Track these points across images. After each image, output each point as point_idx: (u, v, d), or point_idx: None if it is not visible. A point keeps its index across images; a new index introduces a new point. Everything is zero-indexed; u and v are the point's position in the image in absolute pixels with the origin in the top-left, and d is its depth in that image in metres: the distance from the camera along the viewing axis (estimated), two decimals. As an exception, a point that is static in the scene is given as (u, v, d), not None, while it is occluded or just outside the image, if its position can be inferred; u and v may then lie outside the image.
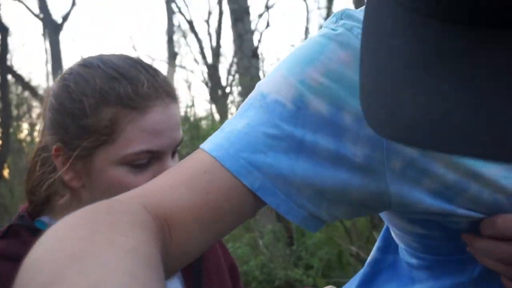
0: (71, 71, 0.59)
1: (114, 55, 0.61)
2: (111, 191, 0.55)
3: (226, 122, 0.43)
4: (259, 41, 8.32)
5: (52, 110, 0.58)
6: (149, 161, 0.57)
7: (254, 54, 4.34)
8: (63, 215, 0.57)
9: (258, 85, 0.43)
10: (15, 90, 11.78)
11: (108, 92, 0.55)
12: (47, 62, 11.41)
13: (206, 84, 11.84)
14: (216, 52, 11.69)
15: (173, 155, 0.62)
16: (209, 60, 11.97)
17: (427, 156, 0.38)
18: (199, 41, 11.69)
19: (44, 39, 10.93)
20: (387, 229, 0.56)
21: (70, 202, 0.61)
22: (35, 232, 0.57)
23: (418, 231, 0.45)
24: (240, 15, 4.31)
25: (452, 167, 0.38)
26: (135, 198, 0.37)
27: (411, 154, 0.38)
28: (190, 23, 11.53)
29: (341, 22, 0.41)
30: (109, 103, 0.55)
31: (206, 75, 11.87)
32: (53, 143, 0.58)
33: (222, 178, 0.38)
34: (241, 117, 0.41)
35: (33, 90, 10.82)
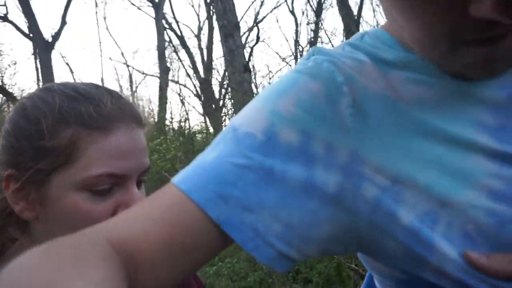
0: (30, 95, 0.56)
1: (79, 82, 0.59)
2: (69, 222, 0.51)
3: (198, 156, 0.42)
4: (250, 54, 8.36)
5: (6, 135, 0.53)
6: (111, 188, 0.52)
7: (245, 68, 4.38)
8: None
9: (231, 120, 0.42)
10: (7, 108, 11.72)
11: (67, 111, 0.52)
12: (38, 80, 11.39)
13: (199, 97, 11.87)
14: (208, 66, 11.75)
15: (139, 185, 0.57)
16: (202, 74, 12.02)
17: (399, 183, 0.38)
18: (190, 55, 11.75)
19: (35, 58, 10.92)
20: (370, 276, 0.53)
21: (21, 243, 0.55)
22: None
23: (398, 276, 0.43)
24: (230, 30, 4.36)
25: (424, 195, 0.37)
26: (100, 232, 0.36)
27: (384, 182, 0.38)
28: (181, 38, 11.61)
29: (313, 57, 0.42)
30: (69, 122, 0.51)
31: (199, 89, 11.92)
32: (5, 170, 0.52)
33: (189, 212, 0.37)
34: (211, 151, 0.40)
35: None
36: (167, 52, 13.03)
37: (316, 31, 10.53)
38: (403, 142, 0.38)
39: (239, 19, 4.60)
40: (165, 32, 11.36)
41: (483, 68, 0.37)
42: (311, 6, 11.54)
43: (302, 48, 11.99)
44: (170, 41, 12.23)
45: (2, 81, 12.03)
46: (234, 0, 4.45)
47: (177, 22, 11.71)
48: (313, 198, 0.37)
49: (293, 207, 0.37)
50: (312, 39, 10.25)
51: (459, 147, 0.38)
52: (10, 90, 11.43)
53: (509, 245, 0.36)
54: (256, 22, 10.69)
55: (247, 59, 4.43)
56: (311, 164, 0.37)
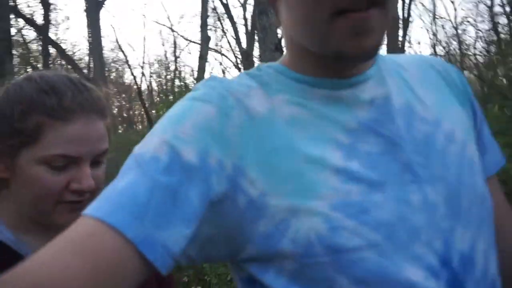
0: (15, 81, 0.69)
1: (55, 73, 0.70)
2: (32, 188, 0.64)
3: (103, 191, 0.44)
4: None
5: None
6: (67, 165, 0.64)
7: (276, 48, 4.36)
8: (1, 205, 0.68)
9: (134, 150, 0.46)
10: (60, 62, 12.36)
11: (36, 102, 0.64)
12: (89, 37, 11.84)
13: (239, 69, 11.90)
14: (251, 38, 11.70)
15: (97, 164, 0.68)
16: (244, 45, 12.01)
17: (265, 195, 0.43)
18: (234, 25, 11.74)
19: (87, 15, 11.34)
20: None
21: (3, 195, 0.69)
22: None
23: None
24: (265, 7, 4.32)
25: (282, 205, 0.43)
26: (25, 276, 0.36)
27: (255, 193, 0.43)
28: (226, 6, 11.58)
29: (207, 84, 0.49)
30: (36, 111, 0.64)
31: (239, 61, 11.93)
32: None
33: (108, 237, 0.38)
34: (120, 180, 0.43)
35: (74, 63, 11.32)
36: (211, 21, 13.10)
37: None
38: (273, 159, 0.45)
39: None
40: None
41: (356, 40, 0.43)
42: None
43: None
44: (215, 9, 12.21)
45: (55, 35, 12.64)
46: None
47: None
48: (212, 210, 0.43)
49: (197, 217, 0.42)
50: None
51: (313, 163, 0.45)
52: (63, 45, 12.05)
53: (340, 250, 0.42)
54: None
55: (279, 38, 4.39)
56: (209, 178, 0.42)
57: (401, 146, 0.48)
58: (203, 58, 9.94)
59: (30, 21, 10.09)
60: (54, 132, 0.63)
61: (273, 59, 4.32)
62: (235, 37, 12.52)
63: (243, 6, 12.96)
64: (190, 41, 15.14)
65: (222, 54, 14.68)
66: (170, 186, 0.41)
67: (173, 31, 15.65)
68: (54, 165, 0.63)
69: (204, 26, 10.23)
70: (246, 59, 10.91)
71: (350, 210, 0.43)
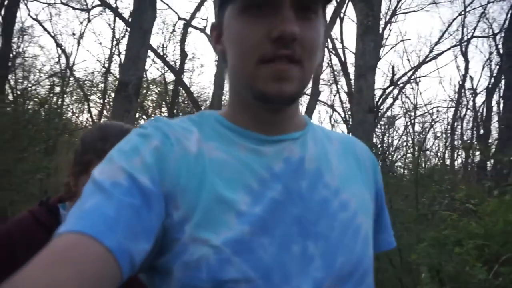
0: (90, 129, 1.03)
1: (115, 125, 1.01)
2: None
3: (70, 212, 0.47)
4: (381, 97, 8.06)
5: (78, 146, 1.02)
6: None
7: (370, 110, 4.46)
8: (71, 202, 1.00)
9: (93, 175, 0.50)
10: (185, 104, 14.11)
11: (91, 145, 0.95)
12: (214, 82, 13.38)
13: (347, 123, 11.89)
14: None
15: None
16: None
17: (185, 221, 0.50)
18: (348, 81, 11.93)
19: (216, 64, 12.93)
20: None
21: (73, 199, 1.00)
22: (52, 212, 1.00)
23: None
24: (364, 72, 4.50)
25: (189, 232, 0.50)
26: None
27: (178, 218, 0.50)
28: (343, 64, 11.93)
29: (154, 123, 0.56)
30: (89, 151, 0.95)
31: (347, 115, 11.94)
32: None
33: (90, 246, 0.41)
34: (84, 203, 0.47)
35: (197, 104, 12.82)
36: (325, 76, 13.52)
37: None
38: (195, 192, 0.51)
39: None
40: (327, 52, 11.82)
41: (277, 85, 0.52)
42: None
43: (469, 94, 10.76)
44: (331, 66, 12.58)
45: (189, 79, 14.59)
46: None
47: (343, 47, 11.90)
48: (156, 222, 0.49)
49: (154, 239, 0.48)
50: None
51: (222, 204, 0.51)
52: (193, 88, 13.85)
53: (221, 281, 0.49)
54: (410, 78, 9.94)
55: (375, 102, 4.48)
56: (162, 202, 0.50)
57: (299, 202, 0.55)
58: (309, 110, 10.33)
59: (170, 66, 11.91)
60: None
61: (364, 120, 4.43)
62: (347, 93, 12.68)
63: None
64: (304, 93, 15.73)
65: (334, 110, 14.89)
66: (134, 206, 0.47)
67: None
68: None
69: (316, 80, 10.72)
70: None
71: (238, 248, 0.50)
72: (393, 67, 6.76)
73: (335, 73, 12.96)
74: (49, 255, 0.40)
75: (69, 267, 0.39)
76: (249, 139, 0.57)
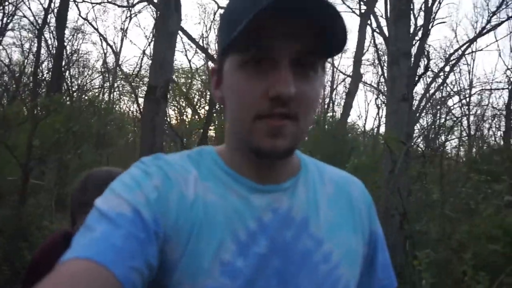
0: (95, 170, 1.11)
1: (98, 175, 1.07)
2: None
3: (75, 239, 0.49)
4: (415, 84, 7.57)
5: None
6: None
7: (404, 98, 4.26)
8: None
9: (97, 205, 0.52)
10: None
11: (76, 198, 1.03)
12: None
13: None
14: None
15: None
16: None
17: (175, 261, 0.52)
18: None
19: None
20: None
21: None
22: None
23: None
24: (397, 58, 4.29)
25: (176, 274, 0.52)
26: None
27: (170, 256, 0.52)
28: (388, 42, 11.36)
29: (155, 162, 0.58)
30: (74, 204, 1.04)
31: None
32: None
33: (101, 272, 0.43)
34: (91, 231, 0.48)
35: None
36: (368, 55, 12.86)
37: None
38: (186, 235, 0.53)
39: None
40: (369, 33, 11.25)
41: (271, 141, 0.53)
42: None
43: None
44: (374, 42, 11.96)
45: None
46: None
47: (388, 24, 11.23)
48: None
49: (155, 269, 0.51)
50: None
51: (211, 252, 0.53)
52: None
53: None
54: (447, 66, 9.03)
55: (407, 90, 4.27)
56: (157, 238, 0.51)
57: (282, 254, 0.56)
58: (350, 94, 10.05)
59: (210, 56, 12.07)
60: (80, 221, 0.99)
61: (397, 108, 4.25)
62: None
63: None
64: (345, 74, 15.31)
65: (380, 92, 14.28)
66: (139, 238, 0.48)
67: (332, 64, 16.09)
68: None
69: (357, 63, 10.37)
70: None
71: None
72: (428, 53, 6.31)
73: (380, 52, 12.42)
74: (59, 277, 0.42)
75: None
76: (242, 185, 0.58)
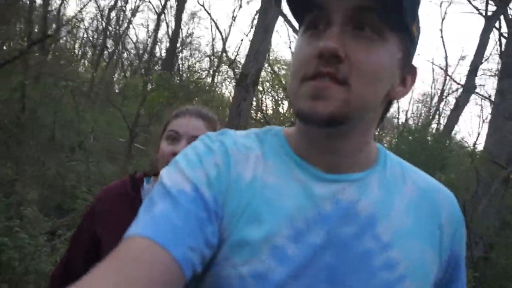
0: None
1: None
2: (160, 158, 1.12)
3: (141, 211, 0.50)
4: None
5: None
6: (176, 137, 1.12)
7: (511, 116, 3.80)
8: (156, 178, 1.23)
9: (162, 179, 0.52)
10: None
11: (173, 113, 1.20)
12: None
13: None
14: None
15: (188, 142, 1.08)
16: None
17: (224, 240, 0.51)
18: None
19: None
20: None
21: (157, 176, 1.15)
22: (135, 185, 1.16)
23: None
24: (510, 70, 3.83)
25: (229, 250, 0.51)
26: None
27: (223, 235, 0.51)
28: None
29: (220, 137, 0.57)
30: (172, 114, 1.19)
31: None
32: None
33: (159, 253, 0.44)
34: (154, 206, 0.49)
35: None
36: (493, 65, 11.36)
37: None
38: (237, 218, 0.52)
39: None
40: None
41: (311, 103, 0.49)
42: None
43: None
44: (501, 50, 10.51)
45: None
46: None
47: None
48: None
49: (214, 248, 0.50)
50: None
51: (263, 234, 0.51)
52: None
53: None
54: None
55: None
56: (216, 216, 0.50)
57: (337, 250, 0.51)
58: (458, 106, 9.16)
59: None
60: (171, 123, 1.16)
61: (503, 126, 3.86)
62: None
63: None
64: (458, 83, 13.95)
65: (491, 101, 12.66)
66: (199, 217, 0.48)
67: (445, 72, 14.77)
68: (168, 135, 1.13)
69: (473, 71, 9.36)
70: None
71: (261, 283, 0.50)
72: None
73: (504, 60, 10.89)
74: (121, 257, 0.43)
75: (140, 270, 0.42)
76: (305, 172, 0.54)
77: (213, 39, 18.45)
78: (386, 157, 0.59)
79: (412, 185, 0.58)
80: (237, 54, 12.94)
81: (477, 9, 10.97)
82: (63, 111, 6.99)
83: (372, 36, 0.49)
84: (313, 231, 0.51)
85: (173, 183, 0.51)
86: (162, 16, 14.08)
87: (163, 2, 14.00)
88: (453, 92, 16.46)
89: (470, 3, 10.70)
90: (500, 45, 10.05)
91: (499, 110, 3.90)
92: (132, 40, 14.46)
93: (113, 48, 13.97)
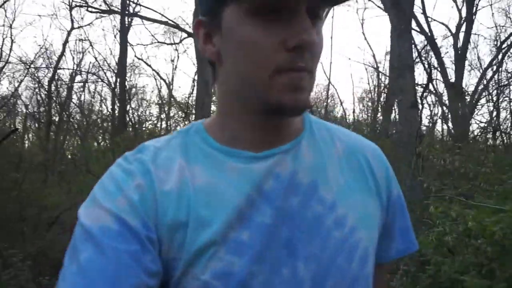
0: None
1: None
2: None
3: (65, 263, 0.46)
4: (422, 93, 7.36)
5: None
6: None
7: (413, 105, 4.71)
8: None
9: (80, 218, 0.49)
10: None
11: None
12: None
13: (442, 105, 10.84)
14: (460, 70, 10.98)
15: None
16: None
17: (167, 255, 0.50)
18: (439, 59, 11.08)
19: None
20: None
21: None
22: None
23: None
24: (402, 71, 4.81)
25: (179, 264, 0.50)
26: None
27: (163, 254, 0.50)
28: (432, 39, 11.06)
29: (137, 156, 0.54)
30: None
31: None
32: None
33: None
34: (78, 254, 0.46)
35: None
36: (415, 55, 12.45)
37: None
38: (182, 231, 0.50)
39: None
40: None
41: (292, 95, 0.49)
42: None
43: None
44: (414, 43, 11.46)
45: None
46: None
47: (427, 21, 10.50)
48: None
49: (159, 277, 0.49)
50: None
51: (212, 235, 0.50)
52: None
53: None
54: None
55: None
56: (150, 241, 0.49)
57: (289, 223, 0.52)
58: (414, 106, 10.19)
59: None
60: None
61: (409, 115, 4.76)
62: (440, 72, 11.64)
63: (456, 35, 11.90)
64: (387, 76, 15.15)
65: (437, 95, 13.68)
66: (130, 252, 0.46)
67: (376, 69, 16.10)
68: None
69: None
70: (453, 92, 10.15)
71: (229, 281, 0.49)
72: (429, 65, 6.57)
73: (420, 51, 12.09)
74: None
75: None
76: (237, 157, 0.54)
77: (158, 88, 18.74)
78: (311, 122, 0.61)
79: (340, 144, 0.60)
80: (189, 96, 13.52)
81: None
82: (26, 192, 6.66)
83: (320, 24, 0.52)
84: (260, 211, 0.52)
85: (93, 221, 0.48)
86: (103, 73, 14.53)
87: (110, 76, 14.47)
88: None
89: (377, 6, 11.93)
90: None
91: (403, 103, 4.87)
92: (75, 104, 14.71)
93: (59, 116, 14.20)
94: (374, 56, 21.50)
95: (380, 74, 15.86)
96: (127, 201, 0.50)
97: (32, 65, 13.71)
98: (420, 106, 5.14)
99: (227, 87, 0.55)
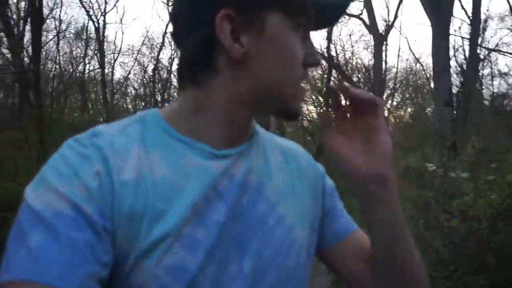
0: None
1: None
2: None
3: (10, 247, 0.44)
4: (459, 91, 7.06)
5: None
6: None
7: (447, 103, 5.14)
8: None
9: (28, 201, 0.46)
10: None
11: None
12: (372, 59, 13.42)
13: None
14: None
15: None
16: None
17: (120, 248, 0.48)
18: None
19: (374, 45, 13.49)
20: None
21: None
22: None
23: None
24: (438, 72, 5.20)
25: (130, 258, 0.49)
26: None
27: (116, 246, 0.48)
28: None
29: (93, 140, 0.51)
30: None
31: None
32: None
33: None
34: (28, 239, 0.43)
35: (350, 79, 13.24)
36: None
37: None
38: (137, 222, 0.49)
39: None
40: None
41: (301, 104, 0.56)
42: None
43: None
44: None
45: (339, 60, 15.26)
46: None
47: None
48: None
49: (109, 268, 0.47)
50: None
51: (168, 230, 0.49)
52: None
53: None
54: None
55: None
56: (105, 231, 0.47)
57: (239, 220, 0.55)
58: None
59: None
60: None
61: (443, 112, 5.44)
62: None
63: None
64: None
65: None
66: (86, 241, 0.45)
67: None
68: None
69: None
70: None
71: (179, 275, 0.49)
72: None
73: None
74: None
75: None
76: (198, 150, 0.54)
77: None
78: (256, 127, 0.64)
79: (277, 151, 0.65)
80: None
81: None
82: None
83: None
84: (216, 209, 0.53)
85: (45, 205, 0.45)
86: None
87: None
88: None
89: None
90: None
91: (437, 101, 5.30)
92: (174, 86, 16.86)
93: (161, 96, 16.56)
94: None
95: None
96: (85, 188, 0.47)
97: (138, 53, 16.14)
98: (454, 105, 5.46)
99: (239, 87, 0.54)
